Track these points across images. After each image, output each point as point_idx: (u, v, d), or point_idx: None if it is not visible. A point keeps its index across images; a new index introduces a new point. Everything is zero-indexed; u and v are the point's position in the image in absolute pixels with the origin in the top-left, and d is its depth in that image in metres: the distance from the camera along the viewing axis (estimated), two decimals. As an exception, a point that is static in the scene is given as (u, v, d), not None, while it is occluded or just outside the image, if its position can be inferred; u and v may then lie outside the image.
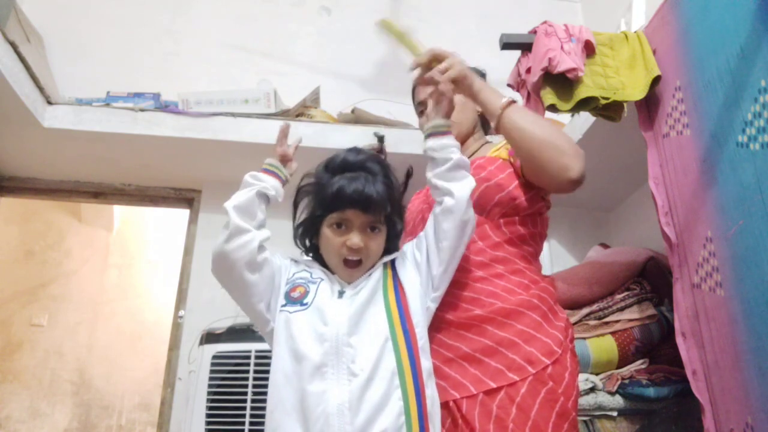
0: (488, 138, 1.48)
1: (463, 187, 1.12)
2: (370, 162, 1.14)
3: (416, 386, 1.01)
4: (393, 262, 1.18)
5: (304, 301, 1.08)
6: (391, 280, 1.13)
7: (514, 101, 1.19)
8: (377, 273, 1.15)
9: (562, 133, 1.20)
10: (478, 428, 1.06)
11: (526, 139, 1.17)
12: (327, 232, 1.12)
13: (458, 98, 1.37)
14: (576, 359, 1.19)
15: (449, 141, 1.15)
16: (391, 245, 1.19)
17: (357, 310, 1.07)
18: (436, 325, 1.18)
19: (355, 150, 1.17)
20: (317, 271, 1.15)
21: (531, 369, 1.10)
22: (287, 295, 1.11)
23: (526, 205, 1.24)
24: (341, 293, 1.10)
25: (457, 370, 1.12)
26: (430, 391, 1.05)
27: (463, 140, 1.39)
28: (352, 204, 1.08)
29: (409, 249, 1.20)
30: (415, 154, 1.99)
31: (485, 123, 1.46)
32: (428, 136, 1.17)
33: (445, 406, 1.11)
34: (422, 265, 1.14)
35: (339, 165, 1.14)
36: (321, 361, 1.01)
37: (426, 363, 1.06)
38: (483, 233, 1.23)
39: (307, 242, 1.20)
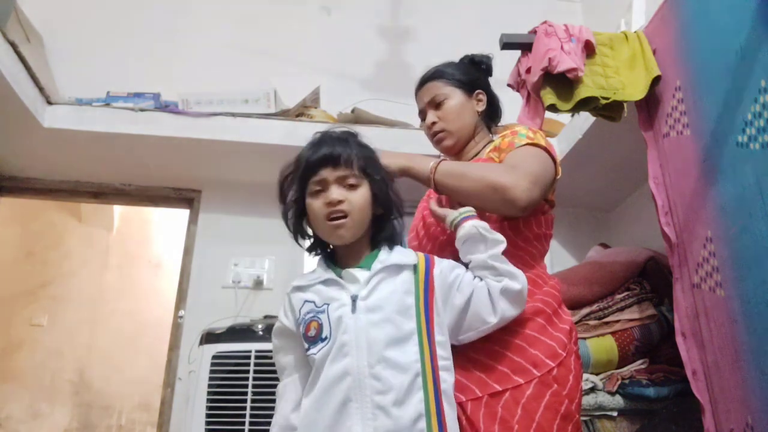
0: (493, 137, 1.40)
1: (523, 276, 1.11)
2: (336, 133, 1.16)
3: (440, 428, 0.99)
4: (427, 277, 1.11)
5: (323, 336, 1.04)
6: (423, 302, 1.08)
7: (438, 162, 1.22)
8: (402, 282, 1.09)
9: (494, 169, 1.19)
10: (482, 429, 1.06)
11: (463, 195, 1.19)
12: (310, 202, 1.11)
13: (454, 104, 1.35)
14: (579, 362, 1.19)
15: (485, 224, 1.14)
16: (385, 207, 1.14)
17: (382, 336, 1.02)
18: None
19: (320, 131, 1.18)
20: (319, 290, 1.10)
21: (536, 372, 1.10)
22: (305, 338, 1.06)
23: None
24: (354, 301, 1.05)
25: (462, 374, 1.11)
26: None
27: (462, 147, 1.37)
28: (321, 163, 1.09)
29: (452, 278, 1.12)
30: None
31: (490, 120, 1.42)
32: (461, 221, 1.15)
33: None
34: (458, 308, 1.10)
35: (306, 146, 1.15)
36: (345, 396, 0.99)
37: (450, 410, 1.03)
38: None
39: (306, 235, 1.17)
